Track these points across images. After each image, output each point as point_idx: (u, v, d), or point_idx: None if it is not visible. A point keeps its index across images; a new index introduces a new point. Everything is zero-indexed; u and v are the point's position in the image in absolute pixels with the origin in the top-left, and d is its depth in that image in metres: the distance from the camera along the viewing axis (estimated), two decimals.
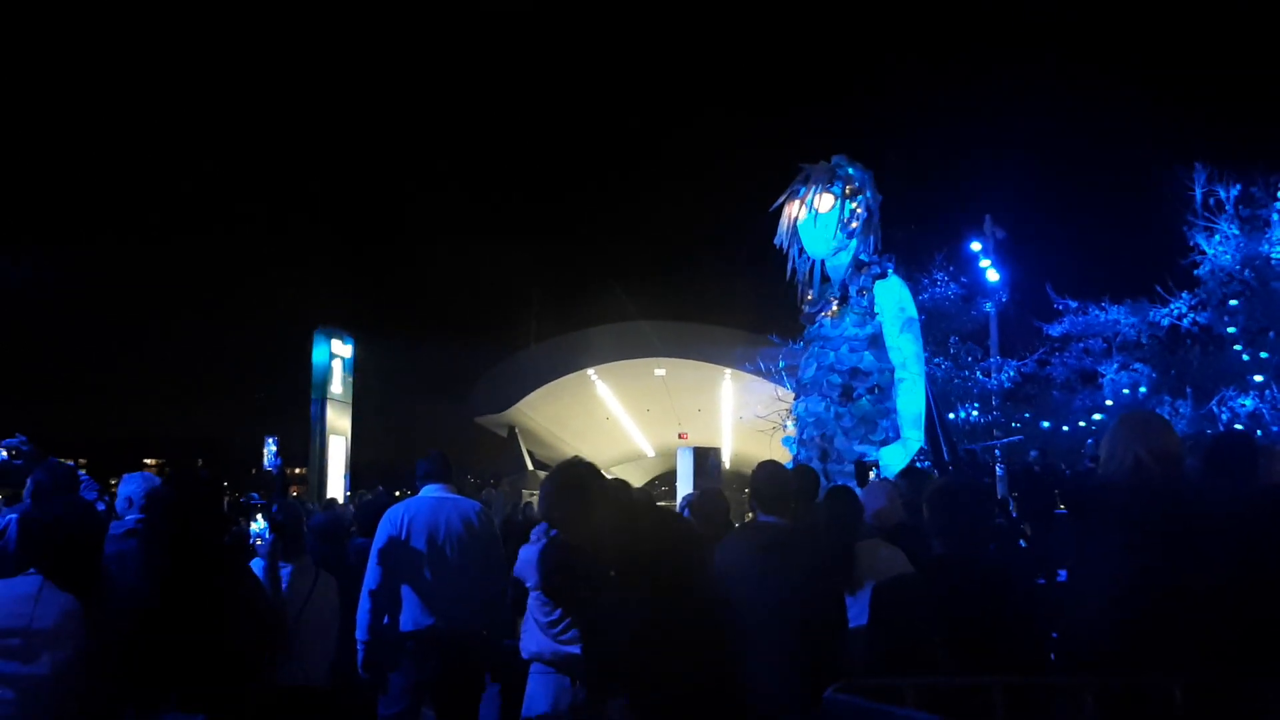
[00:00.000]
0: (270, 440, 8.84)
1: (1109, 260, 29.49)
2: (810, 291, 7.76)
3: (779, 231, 7.65)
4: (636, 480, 32.17)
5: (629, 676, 3.22)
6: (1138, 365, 17.36)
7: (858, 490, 5.30)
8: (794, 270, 7.76)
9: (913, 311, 7.40)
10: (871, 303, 7.29)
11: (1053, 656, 3.18)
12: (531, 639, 3.83)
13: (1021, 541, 5.34)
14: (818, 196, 7.40)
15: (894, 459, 6.96)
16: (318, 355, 23.21)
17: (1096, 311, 17.29)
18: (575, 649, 3.67)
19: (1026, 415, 18.16)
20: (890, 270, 7.52)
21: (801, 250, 7.64)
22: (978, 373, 18.02)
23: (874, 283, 7.35)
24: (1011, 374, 18.12)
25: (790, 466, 7.24)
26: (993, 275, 17.99)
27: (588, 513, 3.71)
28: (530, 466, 31.39)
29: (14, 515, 4.12)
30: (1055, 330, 17.95)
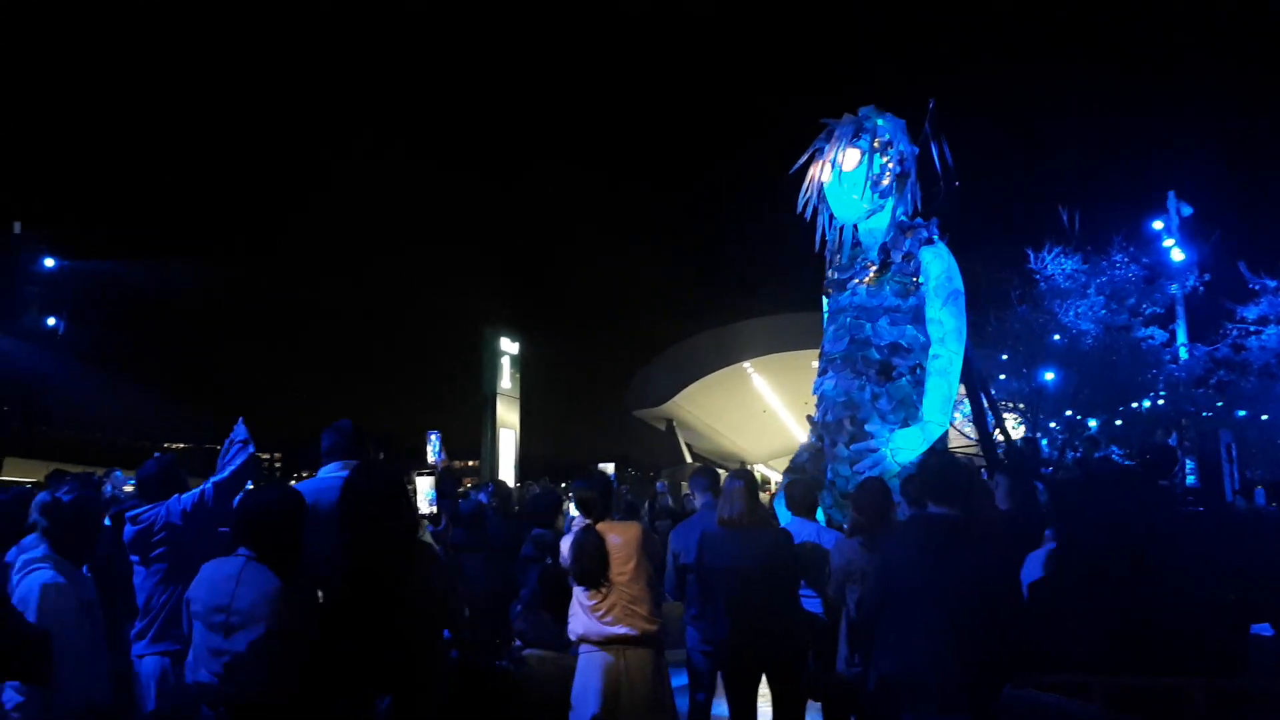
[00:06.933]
0: (433, 435, 8.68)
1: None
2: (839, 257, 6.84)
3: (801, 196, 6.77)
4: None
5: None
6: None
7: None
8: (824, 240, 6.88)
9: (959, 283, 6.43)
10: (917, 270, 6.43)
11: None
12: (578, 621, 4.20)
13: None
14: (842, 153, 6.54)
15: (910, 443, 6.01)
16: (488, 353, 24.37)
17: None
18: (616, 629, 4.07)
19: (1219, 404, 16.85)
20: (938, 236, 6.54)
21: (831, 217, 6.77)
22: (1165, 359, 16.87)
23: (920, 248, 6.48)
24: (1202, 359, 16.89)
25: (807, 453, 6.64)
26: (1178, 255, 16.85)
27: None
28: (689, 459, 31.52)
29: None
30: (1251, 312, 16.64)
